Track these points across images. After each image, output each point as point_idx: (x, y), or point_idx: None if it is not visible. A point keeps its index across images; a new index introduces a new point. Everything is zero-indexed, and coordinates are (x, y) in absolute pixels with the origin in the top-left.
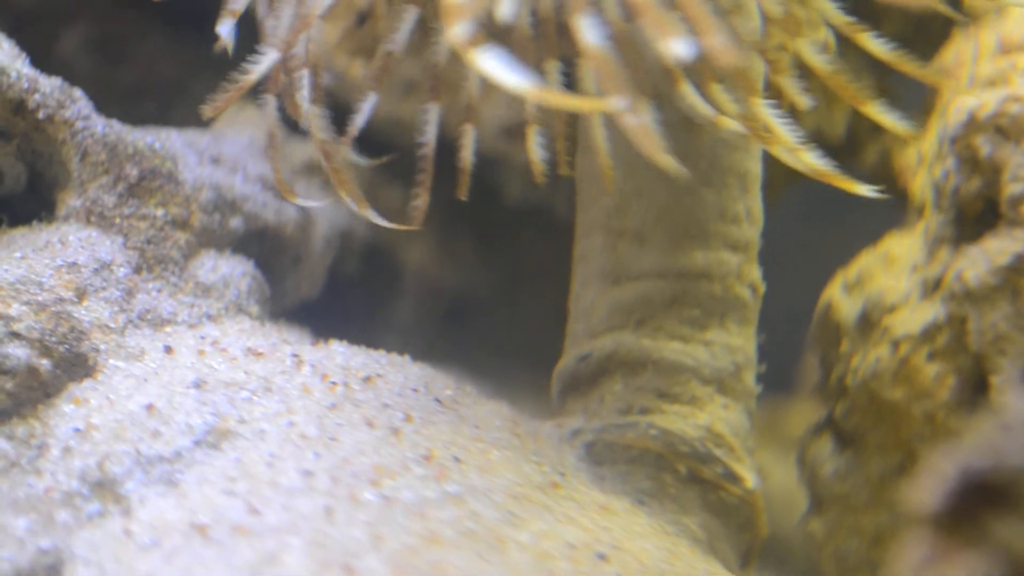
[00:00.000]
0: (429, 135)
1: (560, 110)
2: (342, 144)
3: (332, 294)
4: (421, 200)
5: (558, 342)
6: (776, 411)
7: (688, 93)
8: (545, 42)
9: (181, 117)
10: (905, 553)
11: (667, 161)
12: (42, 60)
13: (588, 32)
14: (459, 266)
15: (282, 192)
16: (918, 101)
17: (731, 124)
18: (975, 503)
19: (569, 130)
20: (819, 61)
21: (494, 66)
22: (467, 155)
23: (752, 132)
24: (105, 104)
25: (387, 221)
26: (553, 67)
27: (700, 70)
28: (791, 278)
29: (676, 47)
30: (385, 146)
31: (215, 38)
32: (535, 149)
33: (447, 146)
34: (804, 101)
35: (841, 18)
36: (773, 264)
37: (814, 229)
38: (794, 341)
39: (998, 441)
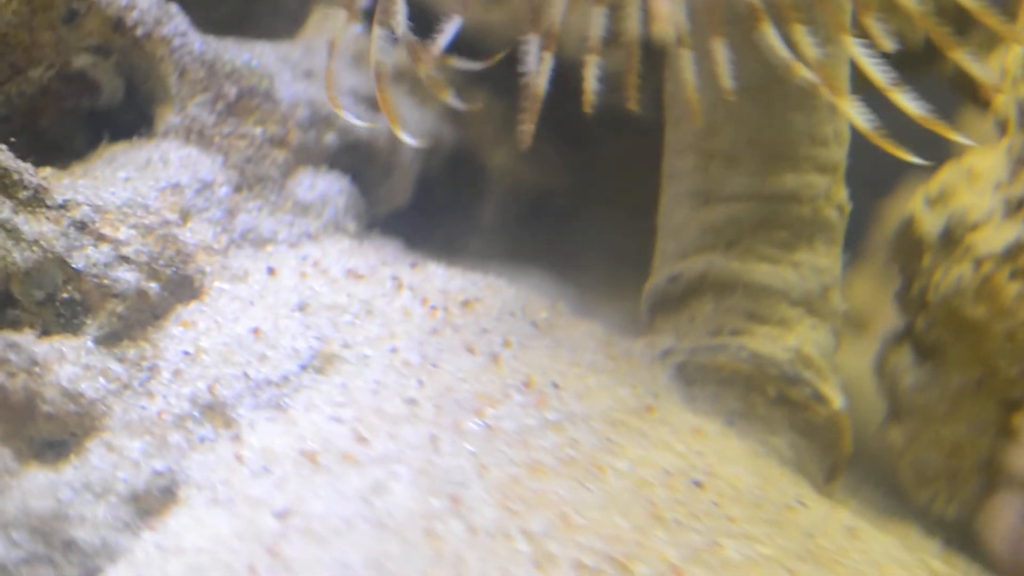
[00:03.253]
0: (531, 66)
1: (631, 42)
2: (423, 63)
3: (419, 198)
4: (527, 125)
5: (634, 239)
6: None
7: (767, 34)
8: None
9: (262, 14)
10: (1004, 511)
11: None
12: None
13: None
14: (541, 167)
15: (389, 120)
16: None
17: (804, 73)
18: None
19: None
20: (911, 2)
21: None
22: (542, 82)
23: (823, 80)
24: (185, 4)
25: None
26: (634, 2)
27: (785, 10)
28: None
29: None
30: (472, 51)
31: None
32: (591, 79)
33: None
34: (887, 43)
35: None
36: None
37: None
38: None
39: None
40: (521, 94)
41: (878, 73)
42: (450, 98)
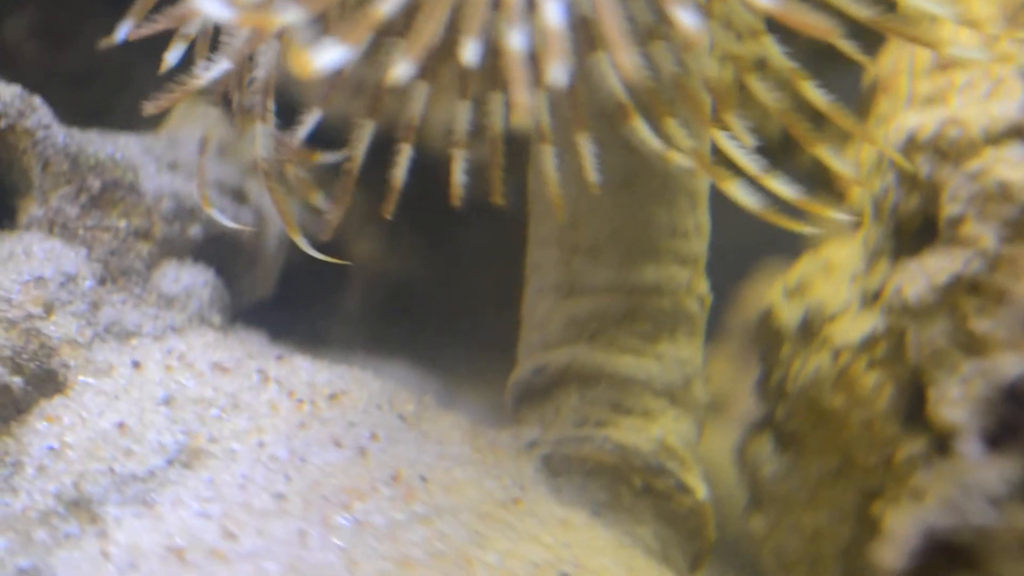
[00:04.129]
0: (357, 151)
1: (495, 136)
2: (282, 156)
3: (283, 288)
4: (334, 215)
5: (498, 329)
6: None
7: (638, 127)
8: (490, 73)
9: (127, 104)
10: None
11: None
12: None
13: (511, 42)
14: (404, 258)
15: (285, 225)
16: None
17: (679, 159)
18: (938, 563)
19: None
20: (769, 98)
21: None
22: (399, 173)
23: (701, 167)
24: (50, 90)
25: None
26: (497, 98)
27: (654, 103)
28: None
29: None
30: (337, 143)
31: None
32: (458, 173)
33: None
34: (747, 138)
35: (785, 63)
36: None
37: None
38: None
39: (959, 502)
40: (340, 180)
41: (748, 161)
42: (319, 200)
